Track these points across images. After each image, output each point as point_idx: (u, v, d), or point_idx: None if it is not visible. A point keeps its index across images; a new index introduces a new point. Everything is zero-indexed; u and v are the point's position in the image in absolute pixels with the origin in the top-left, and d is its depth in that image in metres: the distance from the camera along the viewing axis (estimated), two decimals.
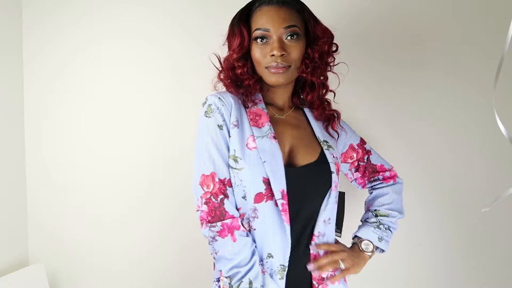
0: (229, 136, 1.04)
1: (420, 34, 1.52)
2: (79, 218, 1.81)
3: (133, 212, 1.76)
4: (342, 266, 1.10)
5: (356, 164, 1.24)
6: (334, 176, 1.07)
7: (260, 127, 1.05)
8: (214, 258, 1.01)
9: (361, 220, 1.25)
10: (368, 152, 1.25)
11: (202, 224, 1.01)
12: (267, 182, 1.00)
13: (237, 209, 1.03)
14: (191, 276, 1.70)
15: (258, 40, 1.04)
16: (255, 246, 1.01)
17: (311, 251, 1.06)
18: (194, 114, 1.67)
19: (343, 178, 1.29)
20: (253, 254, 0.99)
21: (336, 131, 1.18)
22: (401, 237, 1.58)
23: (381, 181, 1.25)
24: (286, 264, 1.00)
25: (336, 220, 1.15)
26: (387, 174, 1.26)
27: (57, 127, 1.81)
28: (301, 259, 1.05)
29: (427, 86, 1.53)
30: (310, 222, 1.06)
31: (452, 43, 1.50)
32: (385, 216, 1.20)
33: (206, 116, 1.05)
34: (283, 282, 1.00)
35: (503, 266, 1.52)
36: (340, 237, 1.25)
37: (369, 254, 1.16)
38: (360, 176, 1.26)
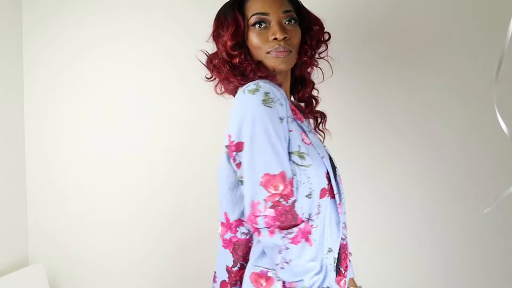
0: (290, 131, 0.94)
1: (419, 32, 1.52)
2: (79, 218, 1.80)
3: (133, 212, 1.76)
4: None
5: None
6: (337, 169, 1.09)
7: (302, 122, 1.01)
8: (281, 268, 0.88)
9: None
10: None
11: (265, 232, 0.87)
12: (328, 177, 0.97)
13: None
14: (191, 276, 1.70)
15: (257, 25, 1.01)
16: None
17: (341, 241, 1.05)
18: (195, 115, 1.69)
19: None
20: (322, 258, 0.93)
21: (322, 131, 1.18)
22: (401, 237, 1.58)
23: None
24: (337, 256, 1.02)
25: None
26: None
27: (57, 127, 1.81)
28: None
29: (427, 84, 1.53)
30: None
31: (452, 40, 1.50)
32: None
33: (266, 106, 0.90)
34: (335, 274, 1.01)
35: (504, 266, 1.52)
36: None
37: None
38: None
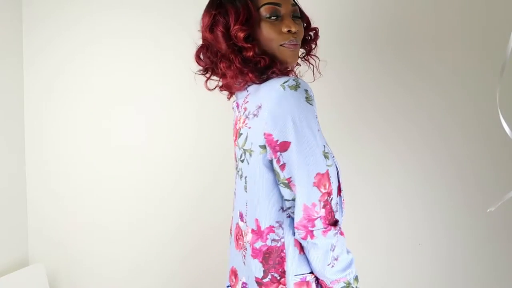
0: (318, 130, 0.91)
1: (421, 33, 1.53)
2: (79, 219, 1.80)
3: (133, 213, 1.76)
4: None
5: None
6: None
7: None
8: (331, 266, 0.87)
9: None
10: None
11: (319, 234, 0.86)
12: (338, 175, 0.94)
13: None
14: (192, 276, 1.70)
15: (272, 16, 0.96)
16: None
17: None
18: (195, 115, 1.69)
19: None
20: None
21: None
22: (401, 237, 1.58)
23: None
24: None
25: None
26: None
27: (57, 127, 1.81)
28: None
29: (429, 85, 1.53)
30: None
31: (455, 41, 1.50)
32: None
33: (309, 103, 0.87)
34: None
35: (504, 266, 1.52)
36: None
37: None
38: None
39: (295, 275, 0.91)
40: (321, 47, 1.13)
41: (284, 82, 0.88)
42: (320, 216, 0.85)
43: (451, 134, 1.53)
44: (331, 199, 0.87)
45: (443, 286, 1.57)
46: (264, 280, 0.93)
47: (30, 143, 1.83)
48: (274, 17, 0.97)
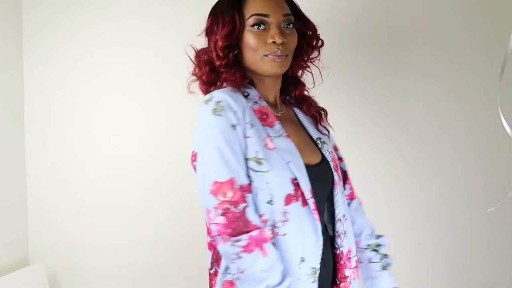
0: (246, 137, 0.93)
1: (421, 32, 1.53)
2: (79, 218, 1.80)
3: (133, 213, 1.76)
4: None
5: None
6: (334, 173, 1.05)
7: (272, 126, 0.98)
8: (237, 278, 0.87)
9: (360, 261, 1.14)
10: (341, 158, 1.20)
11: (219, 240, 0.88)
12: (295, 183, 0.94)
13: (260, 216, 0.91)
14: (192, 275, 1.70)
15: (256, 27, 0.98)
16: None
17: (336, 251, 1.04)
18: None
19: None
20: (283, 271, 0.88)
21: (325, 127, 1.15)
22: (401, 237, 1.58)
23: (350, 196, 1.19)
24: (318, 266, 0.95)
25: None
26: (348, 187, 1.20)
27: (57, 127, 1.81)
28: (328, 259, 1.03)
29: (430, 85, 1.53)
30: (330, 221, 1.06)
31: (454, 40, 1.50)
32: (379, 246, 1.17)
33: (216, 114, 0.92)
34: (316, 285, 0.94)
35: (504, 266, 1.52)
36: None
37: None
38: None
39: (228, 273, 0.94)
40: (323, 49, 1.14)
41: (204, 97, 0.97)
42: (216, 223, 0.87)
43: (453, 134, 1.53)
44: (242, 207, 0.87)
45: (443, 285, 1.57)
46: (211, 271, 1.03)
47: (31, 143, 1.83)
48: (259, 27, 0.98)
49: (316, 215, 0.95)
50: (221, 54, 0.99)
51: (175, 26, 1.68)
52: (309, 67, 1.13)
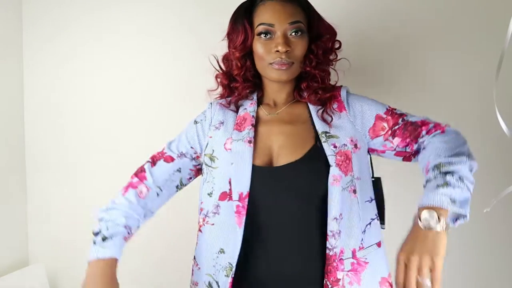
0: (209, 137, 1.11)
1: (420, 32, 1.53)
2: (79, 218, 1.80)
3: None
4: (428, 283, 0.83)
5: (390, 132, 1.06)
6: (333, 169, 0.99)
7: (241, 131, 1.07)
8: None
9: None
10: (402, 115, 1.08)
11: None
12: (231, 183, 1.03)
13: (200, 203, 1.11)
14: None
15: (262, 35, 1.03)
16: (139, 220, 1.12)
17: (327, 252, 0.98)
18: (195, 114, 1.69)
19: (379, 162, 1.19)
20: (125, 215, 1.10)
21: (329, 114, 1.08)
22: (401, 237, 1.58)
23: (427, 135, 1.03)
24: (234, 263, 1.00)
25: (377, 210, 1.08)
26: (432, 126, 1.04)
27: (57, 126, 1.81)
28: (313, 260, 1.00)
29: (430, 84, 1.53)
30: (309, 221, 1.01)
31: (453, 41, 1.50)
32: (449, 164, 0.91)
33: (193, 121, 1.18)
34: (229, 280, 1.00)
35: (504, 266, 1.52)
36: (384, 229, 1.13)
37: (439, 228, 0.86)
38: (401, 140, 1.06)
39: None
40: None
41: None
42: None
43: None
44: (147, 162, 1.17)
45: (444, 286, 1.57)
46: None
47: (30, 142, 1.84)
48: (265, 36, 1.03)
49: (237, 218, 1.00)
50: (239, 64, 1.08)
51: (176, 15, 1.68)
52: (324, 72, 1.09)
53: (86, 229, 1.79)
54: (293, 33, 1.02)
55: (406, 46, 1.54)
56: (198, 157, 1.14)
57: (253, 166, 1.02)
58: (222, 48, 1.14)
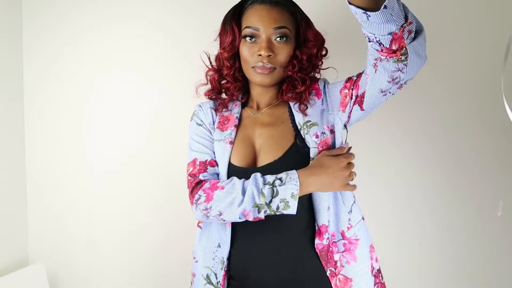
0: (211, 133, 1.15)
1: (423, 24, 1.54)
2: (79, 218, 1.80)
3: (133, 213, 1.75)
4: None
5: (351, 89, 1.06)
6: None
7: (223, 131, 1.13)
8: (222, 220, 1.04)
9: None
10: (352, 77, 1.08)
11: (192, 207, 1.08)
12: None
13: None
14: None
15: (247, 38, 1.06)
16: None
17: (319, 245, 1.03)
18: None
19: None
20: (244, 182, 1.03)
21: (305, 105, 1.10)
22: (401, 237, 1.59)
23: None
24: (225, 258, 1.08)
25: None
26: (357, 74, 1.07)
27: (57, 127, 1.80)
28: (307, 253, 1.04)
29: (433, 83, 1.54)
30: (295, 217, 1.02)
31: (458, 33, 1.51)
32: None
33: (190, 121, 1.20)
34: (222, 273, 1.09)
35: (504, 266, 1.53)
36: None
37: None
38: (358, 76, 1.05)
39: None
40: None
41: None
42: (189, 196, 1.13)
43: (454, 133, 1.54)
44: (197, 177, 1.11)
45: (443, 285, 1.58)
46: None
47: (30, 143, 1.83)
48: (251, 39, 1.06)
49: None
50: (228, 64, 1.11)
51: (174, 17, 1.69)
52: (308, 78, 1.11)
53: (86, 230, 1.80)
54: (278, 38, 1.04)
55: None
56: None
57: (233, 166, 1.07)
58: (212, 46, 1.17)
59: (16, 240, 1.79)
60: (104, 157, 1.77)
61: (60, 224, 1.81)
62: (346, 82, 1.08)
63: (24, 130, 1.83)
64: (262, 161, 1.07)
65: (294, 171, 0.99)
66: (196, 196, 1.05)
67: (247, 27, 1.05)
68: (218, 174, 1.11)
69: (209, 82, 1.17)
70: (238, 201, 0.98)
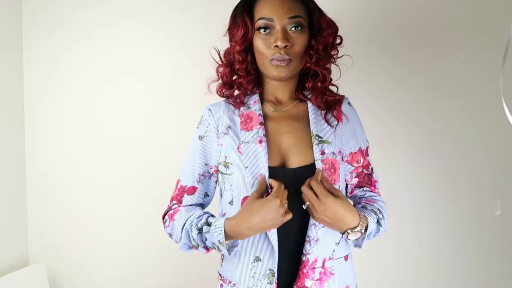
0: (220, 145, 1.07)
1: (424, 27, 1.53)
2: (79, 219, 1.80)
3: (133, 213, 1.76)
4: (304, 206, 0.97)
5: (360, 170, 1.12)
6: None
7: (249, 131, 1.04)
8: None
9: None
10: (369, 164, 1.14)
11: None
12: (252, 187, 0.99)
13: (223, 216, 1.04)
14: (193, 276, 1.69)
15: (262, 30, 1.01)
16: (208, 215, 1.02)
17: (303, 257, 0.99)
18: (194, 115, 1.68)
19: None
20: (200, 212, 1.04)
21: (336, 118, 1.08)
22: (401, 237, 1.59)
23: (370, 191, 1.14)
24: (275, 269, 0.97)
25: None
26: (376, 191, 1.16)
27: (57, 127, 1.81)
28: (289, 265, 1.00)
29: (434, 83, 1.53)
30: (302, 226, 1.00)
31: (457, 36, 1.51)
32: (379, 212, 1.05)
33: (197, 128, 1.13)
34: (273, 286, 0.97)
35: (504, 266, 1.53)
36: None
37: (358, 229, 0.97)
38: (357, 181, 1.13)
39: None
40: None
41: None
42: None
43: (455, 133, 1.54)
44: (173, 203, 1.12)
45: (443, 285, 1.57)
46: None
47: (30, 143, 1.83)
48: (265, 31, 1.01)
49: None
50: (240, 58, 1.05)
51: (178, 7, 1.69)
52: (325, 69, 1.08)
53: (86, 230, 1.80)
54: (293, 28, 1.00)
55: (407, 42, 1.55)
56: (215, 171, 1.10)
57: (271, 168, 1.00)
58: (221, 41, 1.12)
59: (16, 240, 1.79)
60: (105, 158, 1.77)
61: (60, 224, 1.82)
62: (366, 153, 1.14)
63: (24, 130, 1.84)
64: (293, 162, 1.02)
65: (222, 219, 0.96)
66: (165, 219, 1.12)
67: (260, 18, 1.00)
68: (194, 204, 1.10)
69: (220, 78, 1.11)
70: (178, 238, 1.04)
